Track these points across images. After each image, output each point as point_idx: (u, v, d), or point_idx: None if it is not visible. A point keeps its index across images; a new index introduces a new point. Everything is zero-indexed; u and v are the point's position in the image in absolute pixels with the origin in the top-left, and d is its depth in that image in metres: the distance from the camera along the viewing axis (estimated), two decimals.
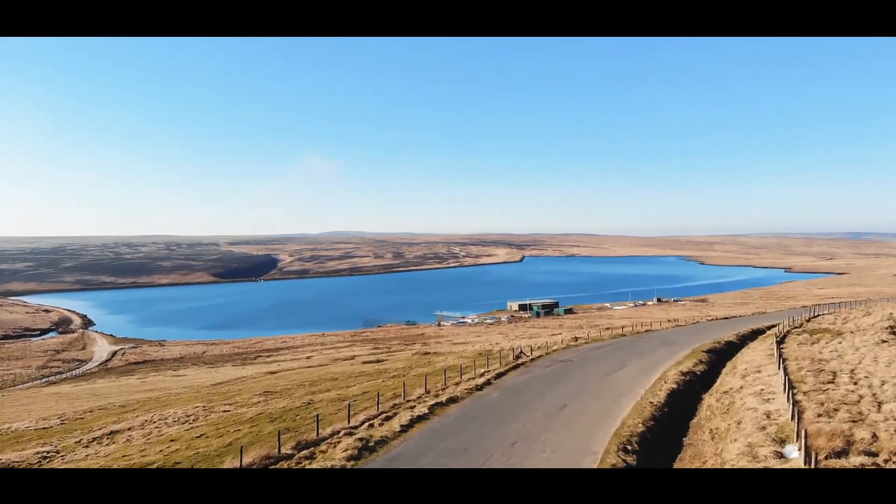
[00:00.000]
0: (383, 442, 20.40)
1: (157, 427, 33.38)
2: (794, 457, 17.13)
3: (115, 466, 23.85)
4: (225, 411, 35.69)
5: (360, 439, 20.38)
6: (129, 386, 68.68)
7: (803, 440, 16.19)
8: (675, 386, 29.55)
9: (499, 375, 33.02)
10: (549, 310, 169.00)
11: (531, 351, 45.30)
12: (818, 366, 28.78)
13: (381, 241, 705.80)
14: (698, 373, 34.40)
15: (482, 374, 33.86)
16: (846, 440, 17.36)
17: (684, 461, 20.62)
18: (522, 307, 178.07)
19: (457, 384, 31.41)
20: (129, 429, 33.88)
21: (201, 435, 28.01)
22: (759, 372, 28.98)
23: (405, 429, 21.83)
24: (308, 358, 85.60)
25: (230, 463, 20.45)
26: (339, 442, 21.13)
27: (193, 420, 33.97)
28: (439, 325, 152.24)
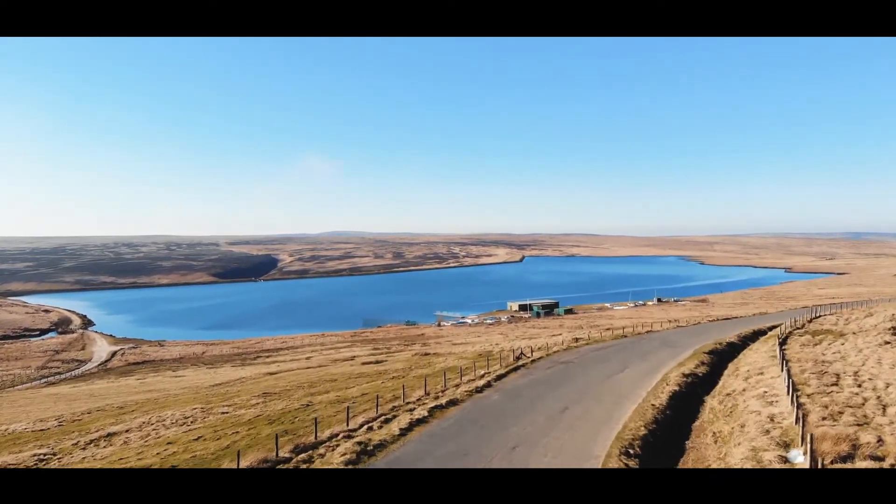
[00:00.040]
0: (382, 446, 20.14)
1: (154, 429, 33.14)
2: (800, 461, 16.87)
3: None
4: (223, 413, 35.44)
5: (359, 443, 20.12)
6: (127, 387, 68.43)
7: (809, 444, 15.93)
8: (676, 388, 29.29)
9: (499, 377, 32.76)
10: (549, 310, 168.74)
11: (531, 352, 45.04)
12: (821, 368, 28.52)
13: (381, 241, 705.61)
14: (700, 374, 34.14)
15: (482, 376, 33.60)
16: (852, 444, 17.10)
17: (687, 465, 20.37)
18: (522, 307, 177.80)
19: (457, 386, 31.15)
20: (127, 431, 33.63)
21: (199, 437, 27.76)
22: (761, 374, 28.71)
23: (404, 432, 21.57)
24: (308, 358, 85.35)
25: (227, 466, 20.19)
26: (337, 445, 20.88)
27: (191, 422, 33.73)
28: (439, 325, 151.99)
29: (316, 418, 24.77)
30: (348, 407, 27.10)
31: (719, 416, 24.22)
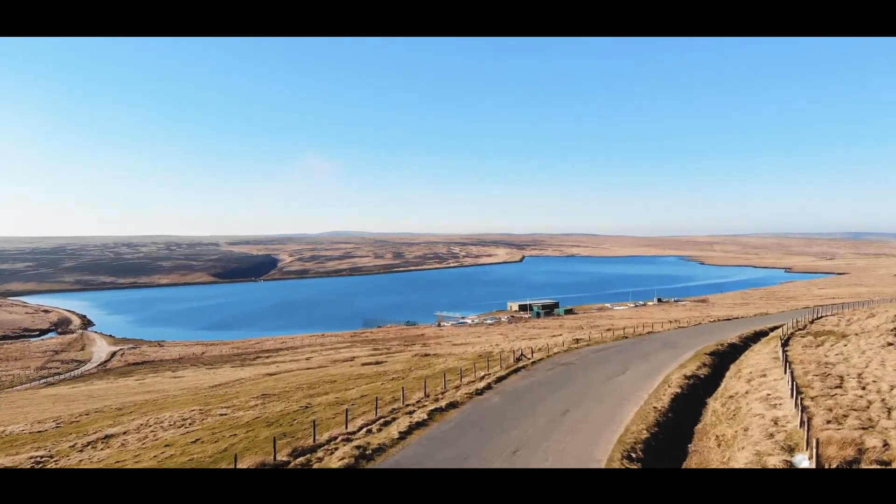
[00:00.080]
0: (381, 450, 19.91)
1: (152, 431, 32.92)
2: (805, 466, 16.65)
3: None
4: (221, 415, 35.21)
5: (358, 447, 19.88)
6: (126, 388, 68.19)
7: (814, 449, 15.72)
8: (678, 390, 29.05)
9: (499, 379, 32.52)
10: (549, 310, 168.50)
11: (532, 353, 44.81)
12: (824, 370, 28.29)
13: (381, 241, 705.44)
14: (702, 376, 33.89)
15: (482, 378, 33.36)
16: (857, 448, 16.87)
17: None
18: (522, 307, 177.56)
19: (457, 388, 30.91)
20: (125, 433, 33.41)
21: (196, 440, 27.54)
22: (764, 376, 28.47)
23: (404, 436, 21.33)
24: (307, 359, 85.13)
25: None
26: (336, 449, 20.65)
27: (189, 424, 33.50)
28: (439, 325, 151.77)
29: (314, 421, 24.53)
30: (347, 409, 26.86)
31: (722, 418, 23.98)
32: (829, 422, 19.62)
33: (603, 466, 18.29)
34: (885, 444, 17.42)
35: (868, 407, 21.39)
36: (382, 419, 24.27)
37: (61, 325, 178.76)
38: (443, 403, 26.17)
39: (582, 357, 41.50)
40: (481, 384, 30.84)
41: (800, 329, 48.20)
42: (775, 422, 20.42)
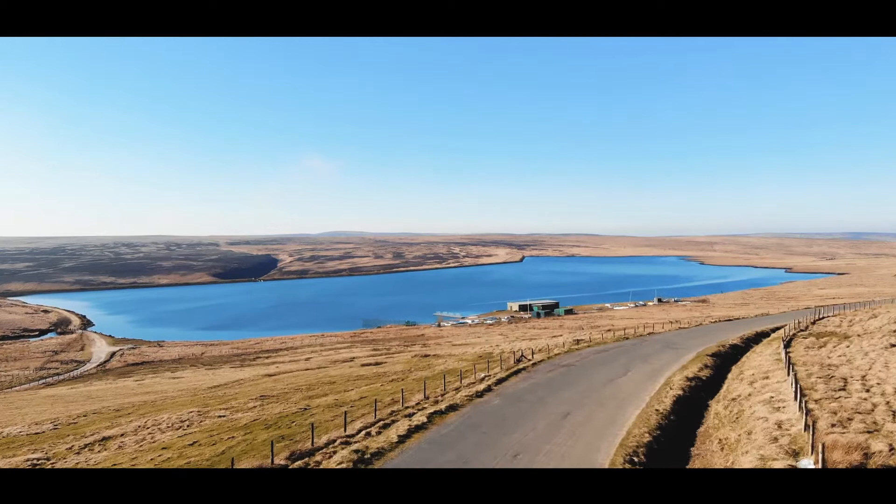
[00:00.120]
0: (380, 454, 19.65)
1: (150, 433, 32.67)
2: None
3: None
4: (220, 416, 34.96)
5: (356, 451, 19.63)
6: (125, 388, 67.95)
7: (820, 454, 15.46)
8: (680, 392, 28.79)
9: (499, 381, 32.26)
10: (549, 310, 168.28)
11: (532, 354, 44.56)
12: (828, 372, 28.02)
13: (381, 242, 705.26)
14: (704, 378, 33.63)
15: (482, 380, 33.11)
16: (863, 453, 16.62)
17: None
18: (523, 308, 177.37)
19: (457, 390, 30.67)
20: (122, 435, 33.16)
21: (194, 442, 27.29)
22: (767, 378, 28.21)
23: (403, 439, 21.08)
24: (307, 360, 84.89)
25: None
26: (334, 452, 20.41)
27: (187, 426, 33.25)
28: (439, 325, 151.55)
29: (313, 424, 24.30)
30: (346, 411, 26.61)
31: (725, 421, 23.72)
32: (833, 425, 19.35)
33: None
34: (892, 448, 17.16)
35: (873, 410, 21.13)
36: (381, 422, 24.03)
37: (61, 326, 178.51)
38: (442, 406, 25.92)
39: (582, 358, 41.25)
40: (481, 386, 30.59)
41: (802, 330, 47.94)
42: (779, 425, 20.16)
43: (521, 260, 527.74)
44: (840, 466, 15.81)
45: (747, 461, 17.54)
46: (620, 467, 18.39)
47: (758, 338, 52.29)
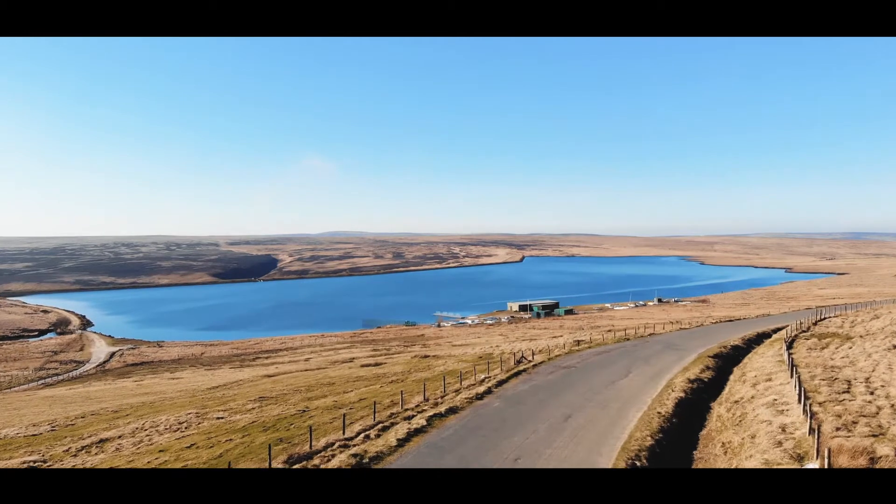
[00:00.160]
0: (379, 458, 19.41)
1: (147, 435, 32.43)
2: None
3: None
4: (218, 418, 34.72)
5: (355, 454, 19.39)
6: (124, 389, 67.72)
7: (826, 459, 15.21)
8: (682, 395, 28.54)
9: (500, 383, 32.01)
10: (549, 310, 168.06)
11: (532, 355, 44.31)
12: (831, 374, 27.77)
13: (381, 241, 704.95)
14: (706, 380, 33.38)
15: (482, 382, 32.86)
16: (869, 458, 16.37)
17: None
18: (523, 308, 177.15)
19: (457, 391, 30.42)
20: (120, 437, 32.93)
21: (192, 445, 27.04)
22: (769, 380, 27.96)
23: (402, 443, 20.83)
24: (306, 360, 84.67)
25: None
26: (332, 456, 20.18)
27: (185, 428, 33.01)
28: (439, 325, 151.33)
29: (311, 426, 24.05)
30: (345, 414, 26.37)
31: (728, 424, 23.47)
32: (838, 429, 19.11)
33: None
34: None
35: (877, 413, 20.88)
36: (381, 424, 23.79)
37: (60, 326, 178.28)
38: (442, 409, 25.67)
39: (583, 360, 41.01)
40: (482, 388, 30.34)
41: (803, 331, 47.69)
42: (783, 429, 19.91)
43: (521, 260, 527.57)
44: None
45: (751, 465, 17.30)
46: None
47: (759, 338, 52.05)
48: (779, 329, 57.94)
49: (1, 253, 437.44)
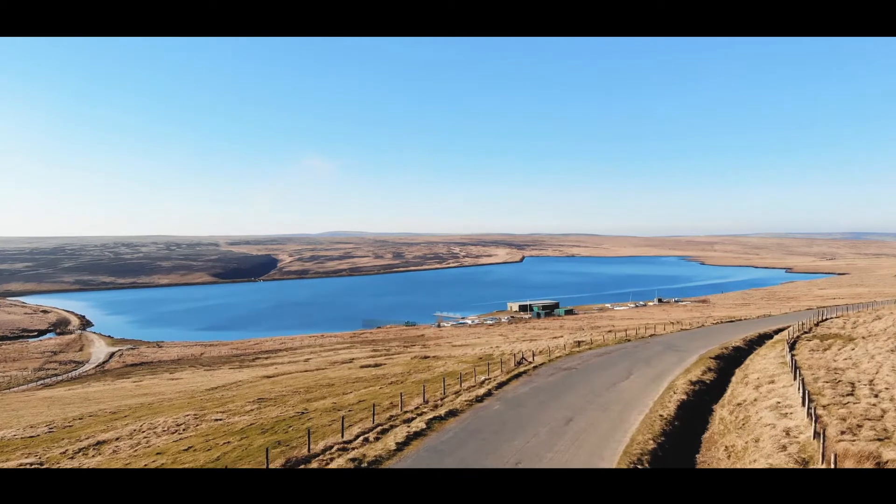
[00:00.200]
0: (377, 462, 19.17)
1: (145, 437, 32.22)
2: None
3: None
4: (216, 420, 34.48)
5: (353, 459, 19.16)
6: (123, 390, 67.51)
7: (832, 464, 14.98)
8: (684, 397, 28.29)
9: (500, 385, 31.77)
10: (549, 311, 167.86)
11: (533, 356, 44.07)
12: (834, 376, 27.53)
13: (381, 241, 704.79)
14: (708, 382, 33.13)
15: (483, 383, 32.62)
16: (876, 462, 16.14)
17: None
18: (523, 308, 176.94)
19: (456, 393, 30.18)
20: (117, 439, 32.71)
21: (189, 448, 26.81)
22: (772, 382, 27.70)
23: (401, 446, 20.59)
24: (306, 361, 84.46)
25: None
26: (331, 459, 19.97)
27: (183, 430, 32.79)
28: (439, 325, 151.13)
29: (309, 429, 23.82)
30: (344, 416, 26.13)
31: (730, 427, 23.22)
32: (843, 433, 18.86)
33: None
34: None
35: (882, 416, 20.65)
36: (380, 427, 23.55)
37: (60, 326, 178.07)
38: (442, 412, 25.43)
39: (584, 361, 40.76)
40: (482, 390, 30.08)
41: (805, 332, 47.43)
42: (787, 432, 19.67)
43: (521, 260, 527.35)
44: None
45: None
46: None
47: (760, 339, 51.79)
48: (780, 330, 57.68)
49: (1, 253, 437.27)
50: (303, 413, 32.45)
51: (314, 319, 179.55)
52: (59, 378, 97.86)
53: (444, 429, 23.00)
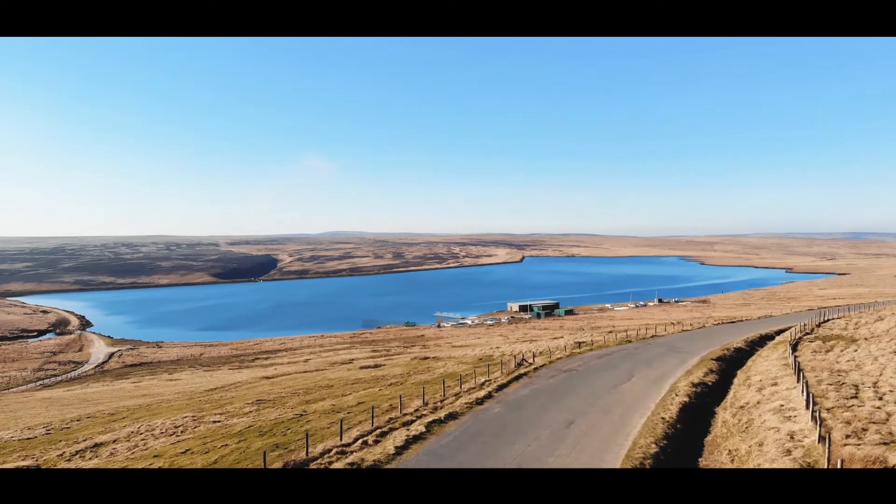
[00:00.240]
0: (376, 466, 18.91)
1: (143, 439, 31.99)
2: None
3: None
4: (214, 422, 34.23)
5: (352, 463, 18.93)
6: (122, 391, 67.26)
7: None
8: (686, 399, 28.04)
9: (500, 387, 31.51)
10: (549, 311, 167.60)
11: (533, 357, 43.82)
12: (838, 378, 27.28)
13: (381, 241, 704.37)
14: (710, 384, 32.87)
15: (483, 385, 32.37)
16: (882, 467, 15.89)
17: None
18: (523, 308, 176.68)
19: (456, 395, 29.92)
20: (115, 441, 32.47)
21: (186, 450, 26.57)
22: (775, 385, 27.45)
23: (400, 450, 20.34)
24: (305, 361, 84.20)
25: None
26: (330, 463, 19.74)
27: (181, 432, 32.54)
28: (439, 326, 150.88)
29: (308, 432, 23.59)
30: (342, 419, 25.90)
31: (734, 430, 22.97)
32: (848, 436, 18.62)
33: None
34: None
35: (888, 419, 20.40)
36: (379, 430, 23.31)
37: (60, 326, 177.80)
38: (441, 414, 25.17)
39: (585, 362, 40.52)
40: (482, 392, 29.83)
41: (807, 333, 47.18)
42: (791, 436, 19.42)
43: (521, 260, 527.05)
44: None
45: None
46: None
47: (762, 340, 51.53)
48: (781, 330, 57.44)
49: (1, 253, 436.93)
50: (301, 415, 32.20)
51: (314, 320, 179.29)
52: (59, 378, 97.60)
53: (444, 432, 22.76)
